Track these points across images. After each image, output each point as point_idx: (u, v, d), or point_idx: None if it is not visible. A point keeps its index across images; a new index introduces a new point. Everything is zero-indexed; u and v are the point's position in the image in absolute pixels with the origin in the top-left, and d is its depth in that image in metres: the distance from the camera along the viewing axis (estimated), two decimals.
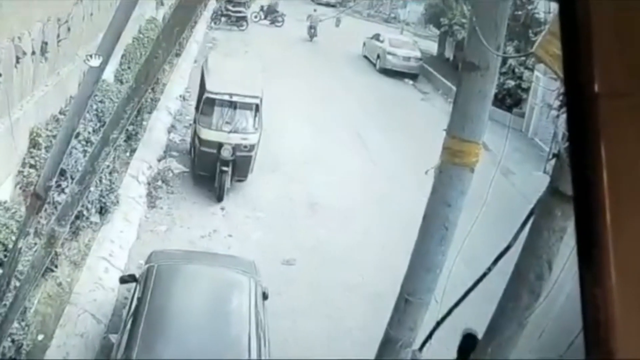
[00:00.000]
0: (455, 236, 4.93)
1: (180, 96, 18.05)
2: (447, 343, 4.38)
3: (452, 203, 4.77)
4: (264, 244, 11.11)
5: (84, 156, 7.95)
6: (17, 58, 7.49)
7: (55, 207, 6.67)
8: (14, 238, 5.30)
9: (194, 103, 15.14)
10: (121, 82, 12.40)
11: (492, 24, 4.35)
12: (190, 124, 14.78)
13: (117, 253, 9.89)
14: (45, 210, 5.01)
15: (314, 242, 11.48)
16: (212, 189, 12.64)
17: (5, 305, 4.37)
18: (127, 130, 4.31)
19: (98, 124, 9.49)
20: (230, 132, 12.39)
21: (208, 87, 12.69)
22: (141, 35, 15.10)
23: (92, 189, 7.06)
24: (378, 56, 26.94)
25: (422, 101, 23.39)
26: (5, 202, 7.14)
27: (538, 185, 3.54)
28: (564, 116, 3.32)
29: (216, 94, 12.58)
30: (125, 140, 11.97)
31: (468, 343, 3.99)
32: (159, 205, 12.09)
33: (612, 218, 0.84)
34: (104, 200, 9.91)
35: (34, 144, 8.27)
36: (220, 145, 12.25)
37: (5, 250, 6.10)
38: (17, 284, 4.09)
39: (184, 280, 7.64)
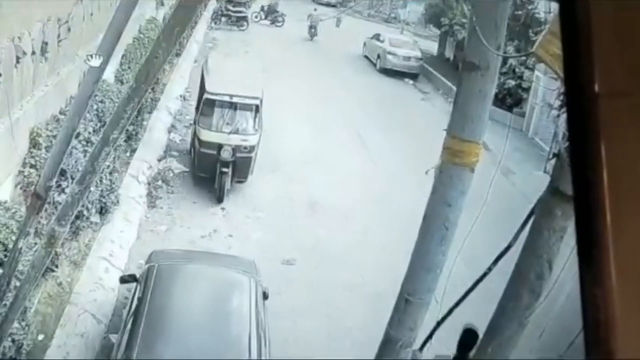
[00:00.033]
0: (455, 236, 4.93)
1: (181, 96, 18.06)
2: (448, 343, 4.38)
3: (453, 203, 4.77)
4: (264, 244, 11.11)
5: (84, 156, 7.95)
6: (17, 58, 7.49)
7: (56, 207, 6.67)
8: (14, 238, 5.30)
9: (194, 103, 15.14)
10: (121, 82, 12.40)
11: (492, 23, 4.36)
12: (190, 124, 14.77)
13: (117, 253, 9.89)
14: (46, 210, 5.01)
15: (314, 242, 11.49)
16: (212, 189, 12.64)
17: (5, 305, 4.37)
18: (127, 130, 4.31)
19: (98, 124, 9.49)
20: (230, 133, 12.36)
21: (208, 88, 12.65)
22: (141, 35, 15.09)
23: (92, 188, 7.06)
24: (378, 56, 26.94)
25: (423, 101, 23.39)
26: (5, 202, 7.14)
27: (538, 185, 3.54)
28: (564, 116, 3.32)
29: (216, 95, 12.54)
30: (125, 140, 11.97)
31: (468, 338, 3.99)
32: (159, 205, 12.09)
33: (612, 218, 0.84)
34: (104, 200, 9.91)
35: (34, 144, 8.27)
36: (220, 147, 12.22)
37: (6, 250, 6.10)
38: (18, 283, 4.10)
39: (185, 280, 7.65)
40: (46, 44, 8.50)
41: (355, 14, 37.84)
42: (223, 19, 29.94)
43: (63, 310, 8.08)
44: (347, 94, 21.25)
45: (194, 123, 13.29)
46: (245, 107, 12.59)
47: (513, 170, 14.68)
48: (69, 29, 9.45)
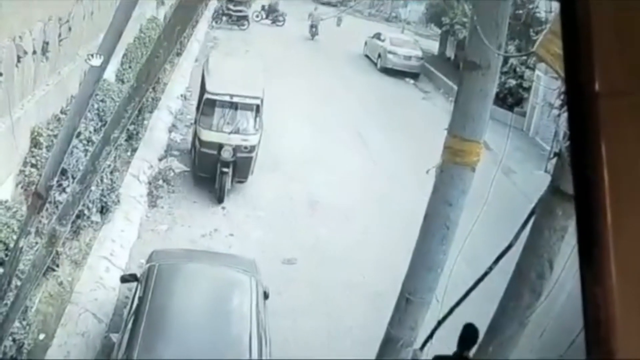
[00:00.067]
0: (456, 235, 4.93)
1: (182, 95, 18.06)
2: (449, 342, 4.38)
3: (453, 202, 4.78)
4: (265, 243, 11.11)
5: (85, 155, 7.95)
6: (18, 57, 7.50)
7: (57, 207, 6.68)
8: (15, 237, 5.31)
9: (195, 102, 15.14)
10: (122, 82, 12.40)
11: (493, 23, 4.36)
12: (191, 124, 14.77)
13: (118, 252, 9.90)
14: (47, 209, 5.02)
15: (315, 241, 11.48)
16: (213, 189, 12.64)
17: (6, 304, 4.37)
18: (128, 129, 4.31)
19: (99, 123, 9.49)
20: (230, 133, 12.35)
21: (208, 87, 12.64)
22: (142, 35, 15.09)
23: (93, 188, 7.07)
24: (379, 55, 26.92)
25: (423, 100, 23.38)
26: (6, 202, 7.14)
27: (539, 185, 3.54)
28: (565, 115, 3.32)
29: (217, 94, 12.52)
30: (126, 140, 11.97)
31: (469, 333, 4.00)
32: (160, 205, 12.09)
33: (612, 217, 0.84)
34: (105, 199, 9.91)
35: (35, 143, 8.27)
36: (220, 147, 12.21)
37: (7, 249, 6.10)
38: (19, 283, 4.10)
39: (185, 280, 7.65)
40: (47, 43, 8.51)
41: (356, 13, 37.81)
42: (224, 18, 29.96)
43: (64, 309, 8.09)
44: (347, 94, 21.24)
45: (195, 123, 13.28)
46: (246, 107, 12.58)
47: (514, 170, 14.68)
48: (69, 29, 9.46)
